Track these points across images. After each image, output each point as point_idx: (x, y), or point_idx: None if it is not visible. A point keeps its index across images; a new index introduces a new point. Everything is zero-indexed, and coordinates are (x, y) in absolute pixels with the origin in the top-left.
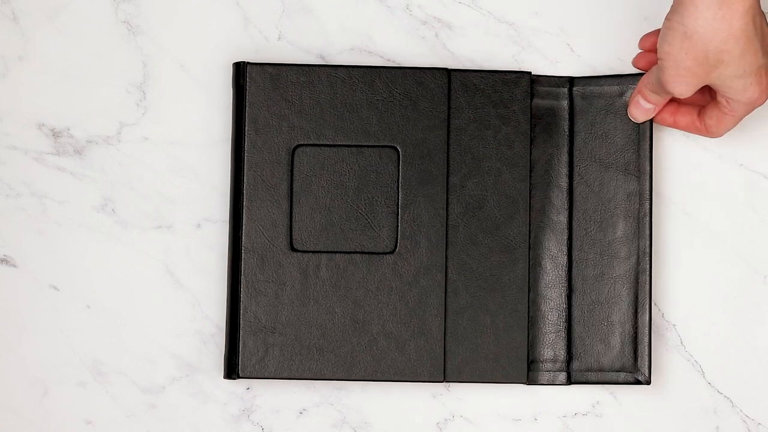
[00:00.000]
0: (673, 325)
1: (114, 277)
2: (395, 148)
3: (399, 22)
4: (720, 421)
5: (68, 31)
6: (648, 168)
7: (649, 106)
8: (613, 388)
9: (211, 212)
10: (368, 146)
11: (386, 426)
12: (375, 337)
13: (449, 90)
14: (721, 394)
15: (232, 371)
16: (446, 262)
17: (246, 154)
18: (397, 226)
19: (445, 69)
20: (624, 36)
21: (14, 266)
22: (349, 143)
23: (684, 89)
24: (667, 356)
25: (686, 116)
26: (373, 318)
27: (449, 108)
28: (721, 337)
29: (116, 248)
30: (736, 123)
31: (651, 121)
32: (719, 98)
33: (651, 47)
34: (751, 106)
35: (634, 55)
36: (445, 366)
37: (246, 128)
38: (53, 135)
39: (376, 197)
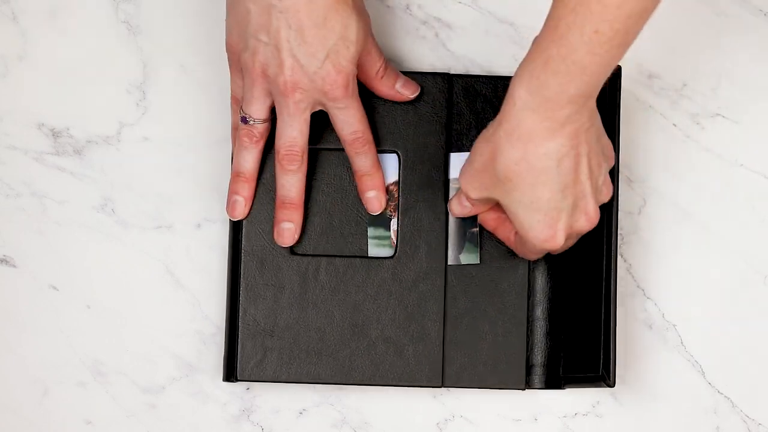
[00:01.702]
0: (673, 325)
1: (114, 277)
2: (396, 153)
3: (399, 22)
4: (720, 421)
5: (68, 31)
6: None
7: (467, 205)
8: (613, 388)
9: (211, 212)
10: None
11: (386, 426)
12: (374, 341)
13: (450, 94)
14: (721, 394)
15: (230, 374)
16: (446, 267)
17: None
18: (397, 230)
19: (446, 73)
20: None
21: (14, 266)
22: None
23: (471, 190)
24: (667, 356)
25: (506, 230)
26: (372, 322)
27: (450, 113)
28: (721, 337)
29: (116, 248)
30: (534, 257)
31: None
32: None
33: None
34: (538, 248)
35: (633, 55)
36: (443, 371)
37: None
38: (53, 135)
39: None
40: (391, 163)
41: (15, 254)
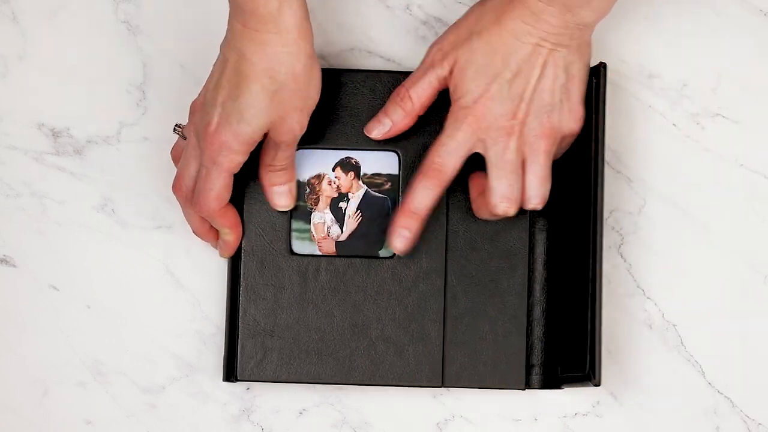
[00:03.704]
0: (673, 325)
1: (114, 277)
2: (396, 152)
3: (399, 22)
4: (720, 421)
5: (68, 31)
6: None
7: (409, 97)
8: (613, 388)
9: None
10: (369, 150)
11: (386, 426)
12: (374, 341)
13: None
14: (721, 394)
15: (230, 374)
16: (446, 267)
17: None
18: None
19: None
20: (624, 36)
21: (14, 266)
22: (350, 147)
23: (441, 44)
24: (667, 356)
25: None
26: (372, 322)
27: None
28: (721, 337)
29: (116, 248)
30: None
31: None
32: None
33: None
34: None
35: (633, 55)
36: (443, 371)
37: None
38: (53, 135)
39: None
40: (388, 160)
41: (15, 254)
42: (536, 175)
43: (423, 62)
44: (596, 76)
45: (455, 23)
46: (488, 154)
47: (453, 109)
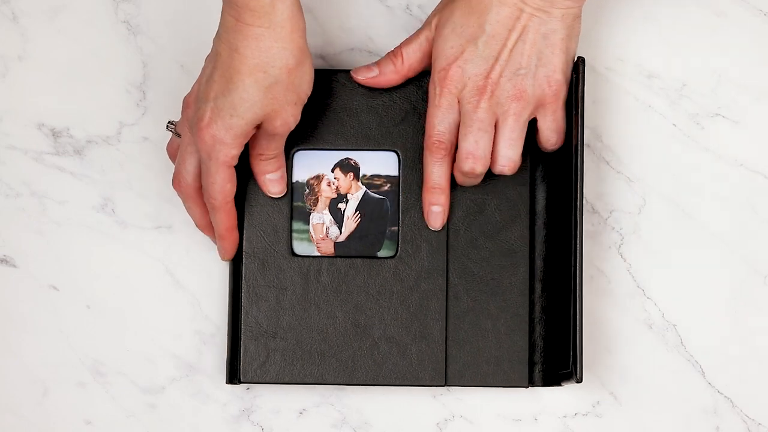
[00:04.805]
0: (673, 325)
1: (114, 277)
2: (395, 152)
3: (399, 22)
4: (720, 421)
5: (68, 31)
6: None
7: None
8: (613, 388)
9: None
10: (368, 150)
11: (386, 426)
12: (376, 341)
13: None
14: (721, 394)
15: (233, 376)
16: (447, 266)
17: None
18: (398, 230)
19: None
20: (624, 36)
21: (14, 266)
22: (349, 147)
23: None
24: (667, 356)
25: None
26: (374, 322)
27: None
28: (721, 337)
29: (116, 248)
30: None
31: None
32: None
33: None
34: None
35: (633, 55)
36: (446, 370)
37: None
38: (53, 135)
39: None
40: (388, 161)
41: (15, 254)
42: (504, 136)
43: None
44: (575, 72)
45: None
46: (461, 113)
47: (432, 72)
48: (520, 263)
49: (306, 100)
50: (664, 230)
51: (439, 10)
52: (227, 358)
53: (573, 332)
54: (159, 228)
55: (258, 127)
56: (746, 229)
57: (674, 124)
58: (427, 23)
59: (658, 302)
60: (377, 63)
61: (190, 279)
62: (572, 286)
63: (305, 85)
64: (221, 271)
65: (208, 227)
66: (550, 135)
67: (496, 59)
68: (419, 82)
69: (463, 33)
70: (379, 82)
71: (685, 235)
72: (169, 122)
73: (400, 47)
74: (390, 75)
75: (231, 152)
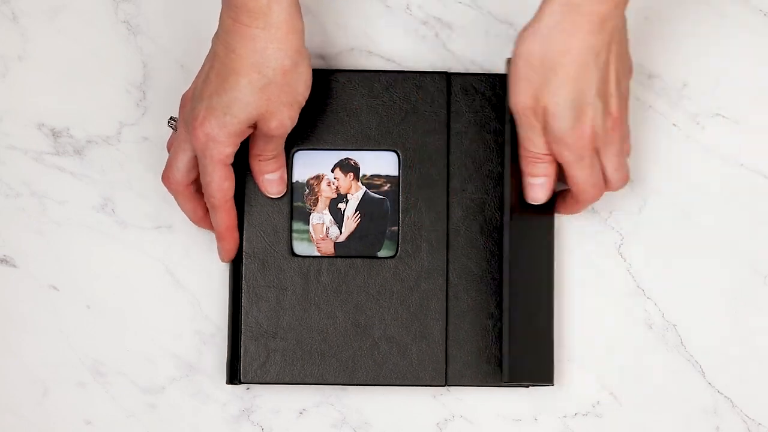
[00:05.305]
0: (673, 325)
1: (114, 277)
2: (395, 152)
3: (399, 22)
4: (720, 421)
5: (68, 31)
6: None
7: (536, 153)
8: (613, 388)
9: None
10: (368, 150)
11: (386, 426)
12: (376, 341)
13: (449, 93)
14: (721, 394)
15: (234, 377)
16: (447, 265)
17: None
18: (398, 230)
19: (445, 72)
20: None
21: (14, 266)
22: (349, 147)
23: (520, 93)
24: (667, 356)
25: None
26: (374, 322)
27: (449, 111)
28: (721, 337)
29: (116, 248)
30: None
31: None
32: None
33: None
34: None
35: (633, 55)
36: (446, 370)
37: None
38: (53, 135)
39: None
40: (388, 161)
41: (15, 254)
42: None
43: (518, 123)
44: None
45: (513, 76)
46: None
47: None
48: None
49: (303, 102)
50: (664, 230)
51: (534, 103)
52: (227, 358)
53: (548, 338)
54: (159, 228)
55: (255, 127)
56: (746, 229)
57: (674, 124)
58: (528, 120)
59: (658, 302)
60: (533, 173)
61: (190, 279)
62: (544, 292)
63: (301, 87)
64: (221, 271)
65: (203, 220)
66: None
67: (611, 94)
68: (418, 81)
69: (581, 101)
70: (548, 186)
71: (685, 235)
72: (170, 118)
73: (525, 149)
74: (549, 170)
75: (225, 150)
